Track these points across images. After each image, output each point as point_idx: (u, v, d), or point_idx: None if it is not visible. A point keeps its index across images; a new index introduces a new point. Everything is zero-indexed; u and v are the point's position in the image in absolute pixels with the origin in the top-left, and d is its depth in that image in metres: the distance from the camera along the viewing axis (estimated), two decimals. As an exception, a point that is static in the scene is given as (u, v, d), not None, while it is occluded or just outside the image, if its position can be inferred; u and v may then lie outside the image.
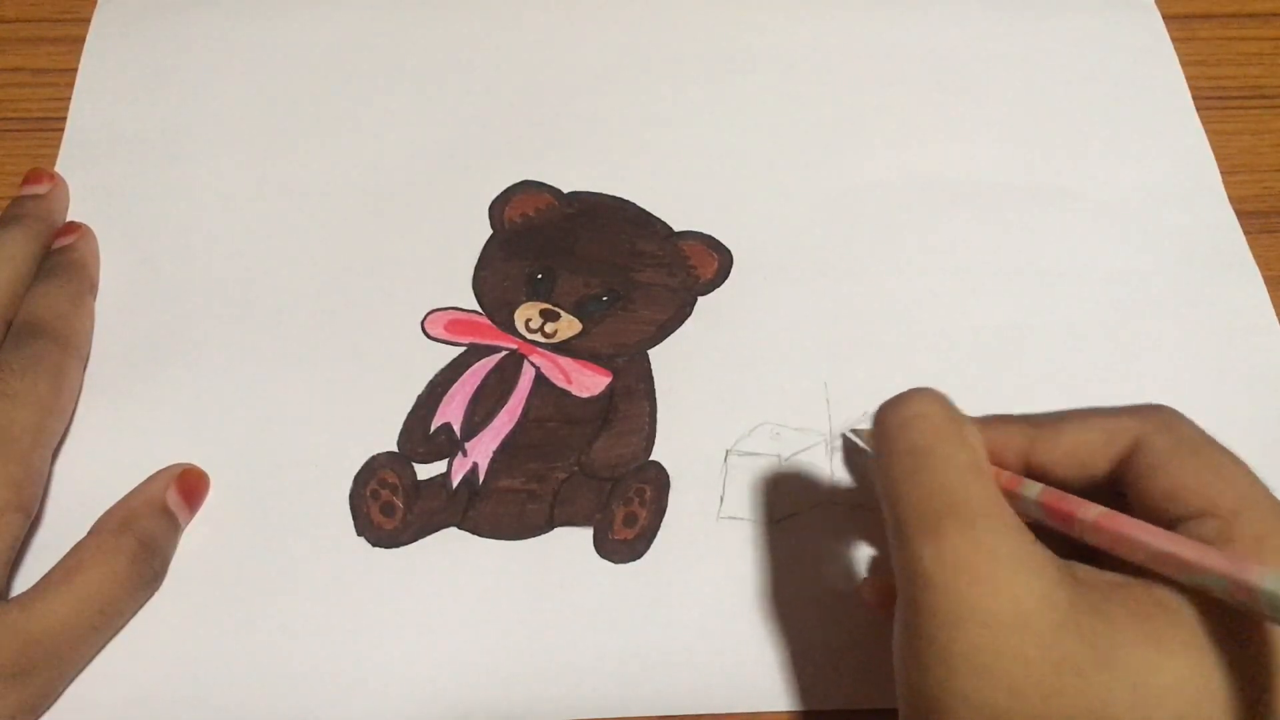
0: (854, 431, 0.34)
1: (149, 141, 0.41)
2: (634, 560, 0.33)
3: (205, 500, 0.34)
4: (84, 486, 0.33)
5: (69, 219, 0.38)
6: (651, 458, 0.35)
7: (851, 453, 0.35)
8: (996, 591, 0.22)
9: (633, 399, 0.36)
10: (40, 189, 0.38)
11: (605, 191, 0.40)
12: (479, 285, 0.38)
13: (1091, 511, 0.24)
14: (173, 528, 0.32)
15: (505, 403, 0.35)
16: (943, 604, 0.22)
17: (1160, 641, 0.21)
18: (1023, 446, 0.27)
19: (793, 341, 0.37)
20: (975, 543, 0.23)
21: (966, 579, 0.22)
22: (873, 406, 0.34)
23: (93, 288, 0.37)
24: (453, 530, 0.33)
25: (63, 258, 0.36)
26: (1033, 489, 0.25)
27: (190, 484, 0.33)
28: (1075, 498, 0.25)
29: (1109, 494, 0.25)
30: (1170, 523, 0.24)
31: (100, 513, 0.32)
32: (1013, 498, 0.26)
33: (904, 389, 0.27)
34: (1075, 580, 0.23)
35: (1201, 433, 0.25)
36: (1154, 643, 0.21)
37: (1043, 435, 0.26)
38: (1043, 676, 0.21)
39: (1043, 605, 0.22)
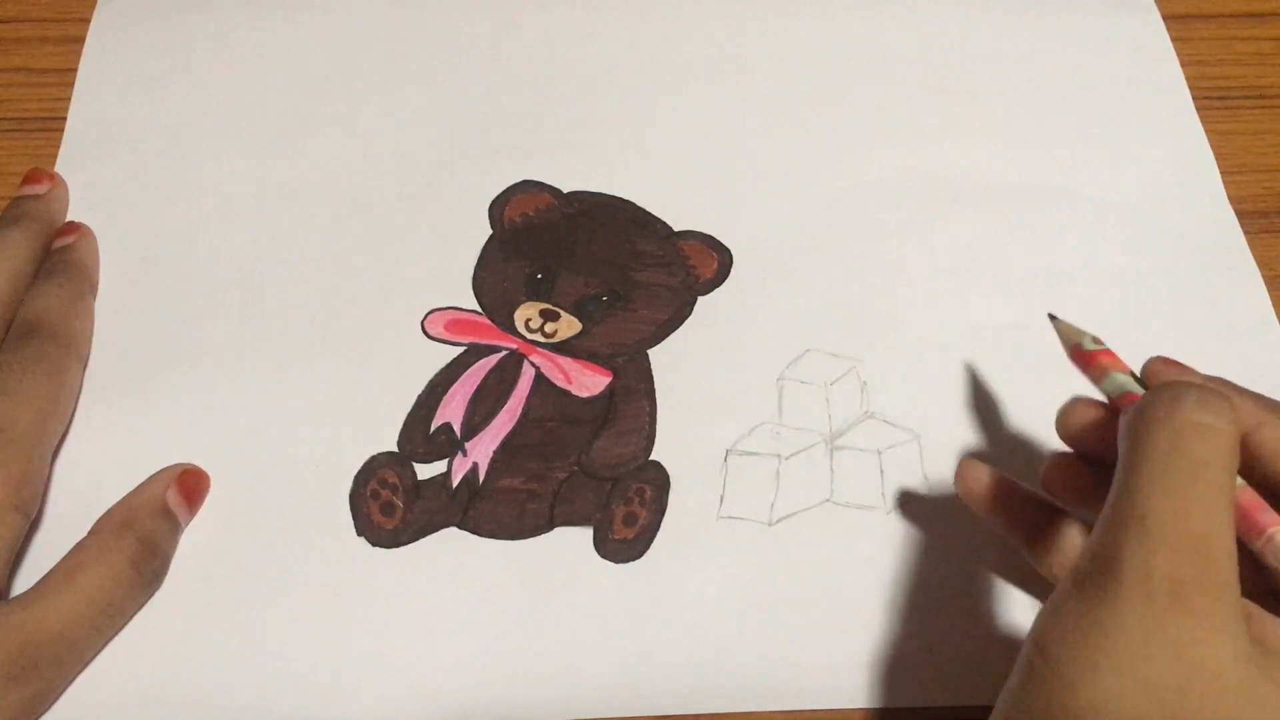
0: (1054, 318, 0.31)
1: (149, 141, 0.41)
2: (634, 560, 0.33)
3: (206, 500, 0.33)
4: (84, 486, 0.33)
5: (69, 219, 0.38)
6: (651, 458, 0.35)
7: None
8: (1200, 644, 0.21)
9: (633, 399, 0.36)
10: (40, 189, 0.38)
11: (605, 191, 0.40)
12: (479, 285, 0.38)
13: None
14: (173, 527, 0.32)
15: (505, 402, 0.35)
16: (1140, 598, 0.22)
17: None
18: (1248, 424, 0.25)
19: (793, 341, 0.37)
20: (1210, 630, 0.21)
21: (1191, 659, 0.21)
22: (873, 406, 0.34)
23: (92, 288, 0.37)
24: (453, 530, 0.33)
25: (62, 258, 0.36)
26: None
27: (191, 483, 0.33)
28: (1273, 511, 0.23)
29: None
30: None
31: (100, 513, 0.31)
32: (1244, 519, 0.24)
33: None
34: (1264, 633, 0.22)
35: None
36: None
37: (1271, 420, 0.25)
38: (1224, 711, 0.21)
39: (1237, 660, 0.21)
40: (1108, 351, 0.28)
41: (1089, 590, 0.22)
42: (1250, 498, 0.24)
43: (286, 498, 0.34)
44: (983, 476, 0.31)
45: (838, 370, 0.36)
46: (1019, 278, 0.39)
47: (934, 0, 0.45)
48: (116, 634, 0.31)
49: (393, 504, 0.33)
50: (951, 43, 0.44)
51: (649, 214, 0.40)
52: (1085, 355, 0.28)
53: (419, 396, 0.35)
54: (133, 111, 0.41)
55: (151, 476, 0.33)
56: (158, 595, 0.32)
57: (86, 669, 0.30)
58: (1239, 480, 0.24)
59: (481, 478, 0.34)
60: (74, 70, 0.42)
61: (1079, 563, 0.23)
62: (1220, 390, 0.24)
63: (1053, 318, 0.30)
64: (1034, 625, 0.24)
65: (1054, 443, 0.36)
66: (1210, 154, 0.42)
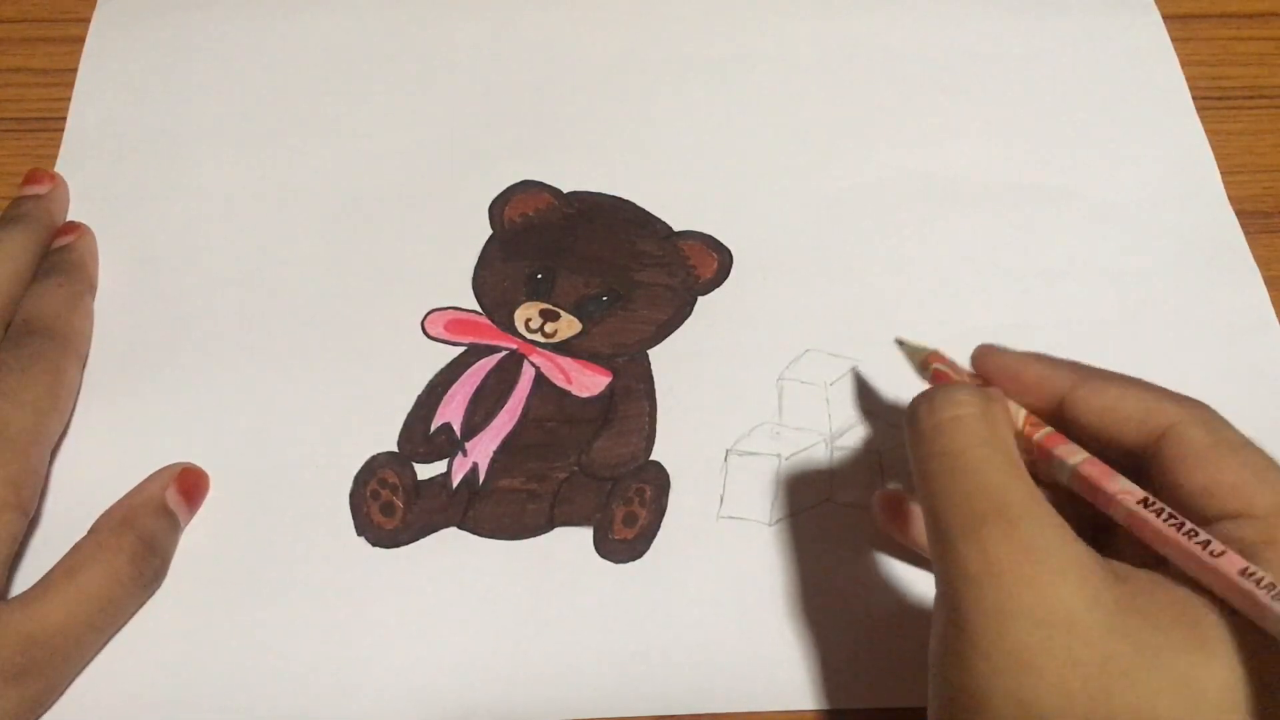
0: (901, 343, 0.33)
1: (149, 141, 0.41)
2: (634, 560, 0.33)
3: (205, 499, 0.33)
4: (84, 486, 0.33)
5: (69, 219, 0.38)
6: (651, 458, 0.35)
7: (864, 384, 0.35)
8: (1044, 591, 0.22)
9: (633, 399, 0.36)
10: (40, 189, 0.38)
11: (605, 191, 0.40)
12: (479, 285, 0.38)
13: (1134, 497, 0.24)
14: (173, 527, 0.32)
15: (505, 403, 0.35)
16: (990, 603, 0.22)
17: (1204, 644, 0.21)
18: (1061, 389, 0.26)
19: (793, 341, 0.37)
20: (1020, 543, 0.23)
21: (1012, 578, 0.22)
22: (872, 406, 0.34)
23: (91, 288, 0.37)
24: (453, 530, 0.33)
25: (61, 258, 0.36)
26: (1075, 456, 0.25)
27: (190, 483, 0.33)
28: (1121, 478, 0.24)
29: (1128, 470, 0.25)
30: (1204, 520, 0.24)
31: (100, 512, 0.31)
32: (1047, 458, 0.25)
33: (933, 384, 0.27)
34: (1119, 579, 0.23)
35: (1240, 433, 0.25)
36: (1198, 645, 0.21)
37: (1087, 384, 0.26)
38: (1090, 677, 0.21)
39: (1091, 606, 0.22)
40: (944, 373, 0.30)
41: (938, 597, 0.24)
42: (1093, 468, 0.25)
43: (286, 498, 0.34)
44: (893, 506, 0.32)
45: (837, 370, 0.36)
46: (1019, 278, 0.39)
47: (934, 0, 0.45)
48: (117, 633, 0.31)
49: (393, 504, 0.33)
50: (952, 43, 0.44)
51: (649, 214, 0.40)
52: (937, 375, 0.30)
53: (419, 396, 0.35)
54: (133, 111, 0.41)
55: (151, 476, 0.33)
56: (158, 595, 0.32)
57: (87, 669, 0.30)
58: (1080, 453, 0.25)
59: (481, 478, 0.34)
60: (74, 70, 0.42)
61: None
62: (960, 387, 0.26)
63: (900, 342, 0.32)
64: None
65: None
66: (1210, 154, 0.42)
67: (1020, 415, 0.27)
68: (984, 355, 0.29)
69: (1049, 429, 0.26)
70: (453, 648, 0.31)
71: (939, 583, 0.24)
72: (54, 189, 0.38)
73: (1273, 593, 0.20)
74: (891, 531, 0.32)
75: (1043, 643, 0.22)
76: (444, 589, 0.32)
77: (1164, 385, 0.37)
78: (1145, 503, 0.23)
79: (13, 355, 0.32)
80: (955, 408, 0.25)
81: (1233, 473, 0.24)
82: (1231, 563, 0.21)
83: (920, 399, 0.26)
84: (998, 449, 0.25)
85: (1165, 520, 0.23)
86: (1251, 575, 0.21)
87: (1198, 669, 0.21)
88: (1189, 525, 0.23)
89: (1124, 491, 0.24)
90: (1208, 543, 0.22)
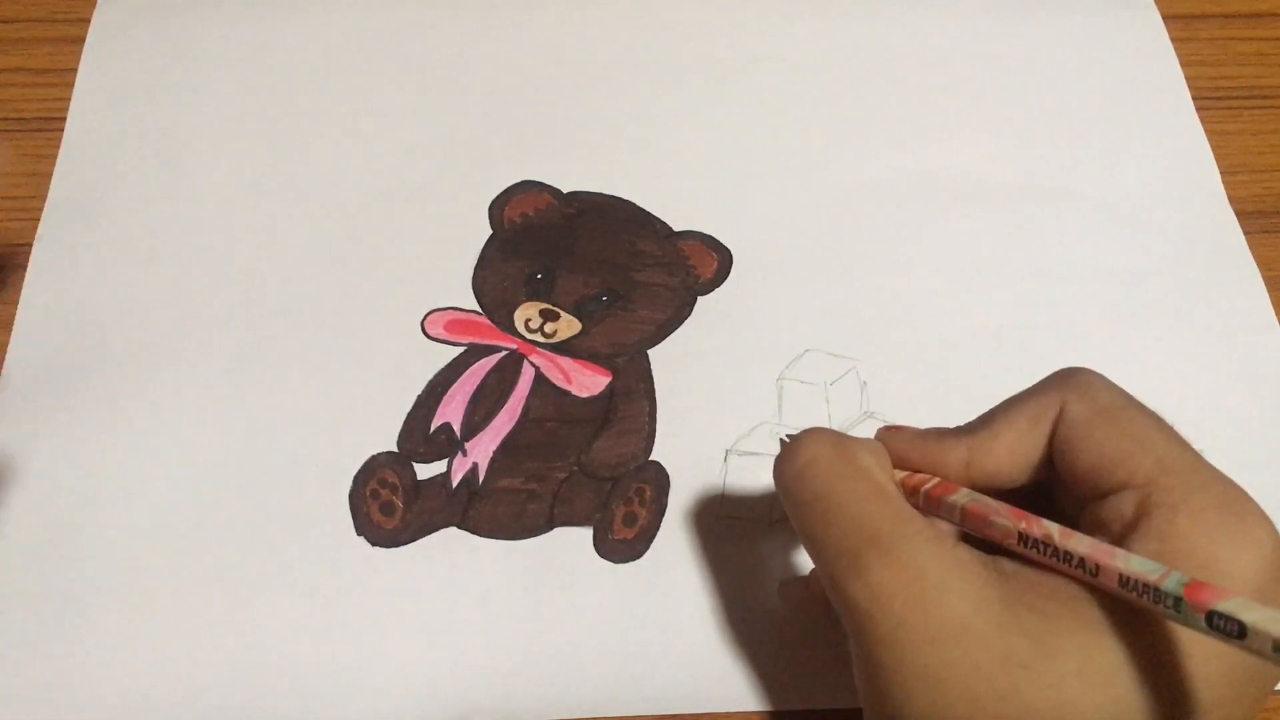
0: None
1: (149, 141, 0.41)
2: (634, 560, 0.33)
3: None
4: (83, 485, 0.33)
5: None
6: (651, 457, 0.35)
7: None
8: (931, 607, 0.22)
9: (632, 399, 0.36)
10: None
11: (605, 191, 0.40)
12: (478, 285, 0.38)
13: (1013, 539, 0.24)
14: None
15: (505, 402, 0.35)
16: (884, 631, 0.23)
17: (1091, 625, 0.22)
18: (963, 458, 0.26)
19: (793, 341, 0.37)
20: (898, 566, 0.23)
21: (899, 603, 0.22)
22: (871, 406, 0.34)
23: None
24: (452, 530, 0.33)
25: None
26: (961, 497, 0.25)
27: None
28: (1000, 516, 0.24)
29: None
30: (1097, 498, 0.24)
31: (99, 510, 0.31)
32: (942, 506, 0.25)
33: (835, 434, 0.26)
34: (1003, 575, 0.23)
35: (1120, 395, 0.25)
36: (1085, 626, 0.22)
37: (979, 442, 0.26)
38: (994, 678, 0.22)
39: (979, 608, 0.22)
40: None
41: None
42: (975, 504, 0.25)
43: (286, 497, 0.34)
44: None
45: (838, 370, 0.36)
46: (1019, 278, 0.39)
47: (934, 0, 0.45)
48: None
49: (392, 504, 0.33)
50: (952, 43, 0.44)
51: (649, 214, 0.40)
52: None
53: (419, 396, 0.35)
54: (133, 111, 0.41)
55: None
56: (158, 595, 0.32)
57: (86, 669, 0.30)
58: (964, 497, 0.25)
59: (481, 478, 0.34)
60: (74, 70, 0.42)
61: None
62: (812, 431, 0.26)
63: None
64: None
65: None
66: (1210, 154, 0.42)
67: (899, 474, 0.27)
68: (883, 437, 0.28)
69: (936, 480, 0.26)
70: (452, 647, 0.31)
71: (843, 622, 0.24)
72: None
73: (1151, 597, 0.20)
74: (812, 608, 0.32)
75: (941, 657, 0.22)
76: (443, 589, 0.32)
77: (1165, 384, 0.37)
78: (1023, 540, 0.23)
79: None
80: (809, 450, 0.26)
81: (1113, 444, 0.24)
82: (1109, 577, 0.21)
83: (779, 454, 0.27)
84: (859, 480, 0.25)
85: (1047, 555, 0.23)
86: (1129, 585, 0.21)
87: (1090, 649, 0.21)
88: (1064, 551, 0.22)
89: (1003, 535, 0.24)
90: (1082, 562, 0.22)
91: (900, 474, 0.27)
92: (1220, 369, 0.37)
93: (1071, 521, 0.24)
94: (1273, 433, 0.36)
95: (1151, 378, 0.37)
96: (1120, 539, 0.23)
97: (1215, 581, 0.20)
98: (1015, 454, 0.25)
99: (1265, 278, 0.39)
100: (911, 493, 0.26)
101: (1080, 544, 0.22)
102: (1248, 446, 0.35)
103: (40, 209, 0.39)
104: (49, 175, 0.40)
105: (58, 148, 0.40)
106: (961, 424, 0.27)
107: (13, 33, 0.44)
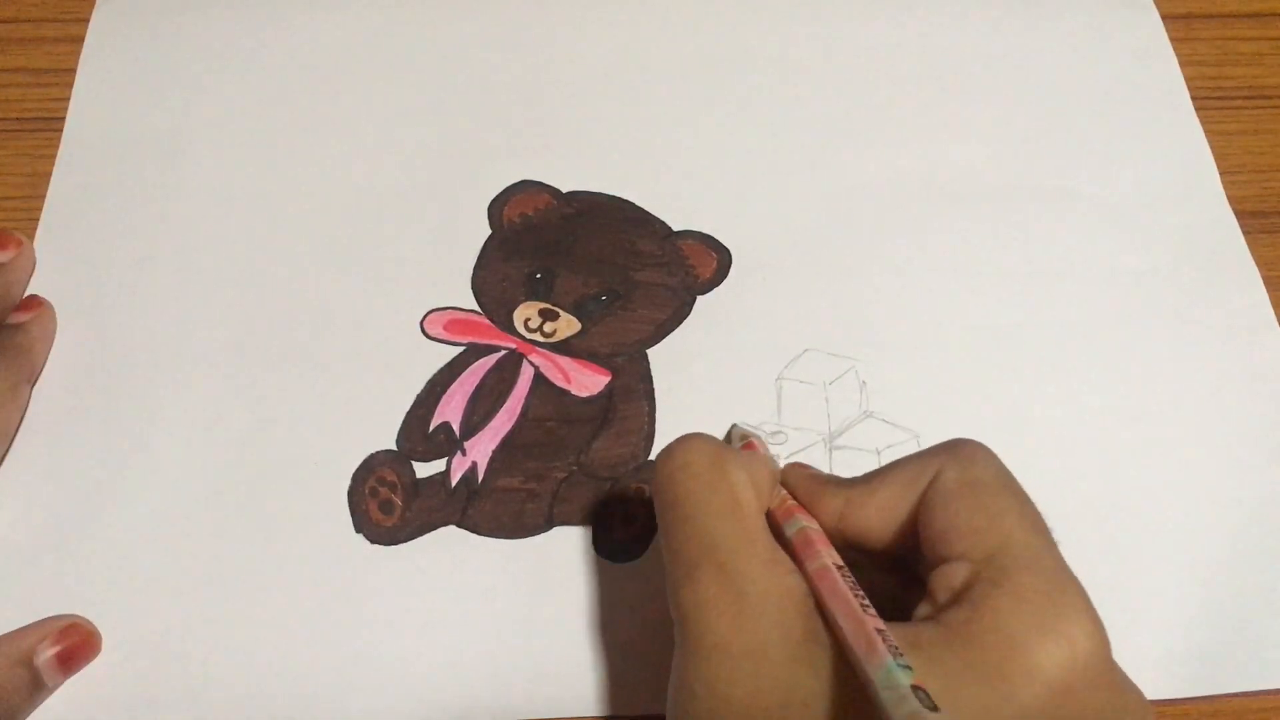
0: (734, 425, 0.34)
1: (149, 141, 0.41)
2: (633, 560, 0.33)
3: (89, 663, 0.30)
4: (83, 485, 0.33)
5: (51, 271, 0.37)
6: (651, 457, 0.35)
7: None
8: (743, 625, 0.23)
9: (632, 398, 0.36)
10: (2, 256, 0.36)
11: (604, 191, 0.40)
12: (478, 285, 0.38)
13: (814, 563, 0.24)
14: (32, 687, 0.29)
15: (504, 402, 0.35)
16: (694, 639, 0.23)
17: None
18: (839, 510, 0.26)
19: (792, 341, 0.37)
20: (726, 581, 0.23)
21: (715, 614, 0.23)
22: (871, 405, 0.34)
23: (31, 376, 0.35)
24: (451, 528, 0.33)
25: (9, 340, 0.34)
26: (792, 527, 0.26)
27: (73, 644, 0.30)
28: (820, 545, 0.25)
29: None
30: (937, 564, 0.24)
31: (104, 510, 0.31)
32: (781, 536, 0.26)
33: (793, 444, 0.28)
34: (815, 612, 0.23)
35: (996, 473, 0.25)
36: None
37: (855, 495, 0.26)
38: (771, 707, 0.22)
39: (783, 638, 0.22)
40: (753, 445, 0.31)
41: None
42: (800, 537, 0.25)
43: (286, 495, 0.34)
44: None
45: (837, 370, 0.36)
46: (1018, 278, 0.39)
47: (934, 0, 0.45)
48: None
49: (391, 502, 0.34)
50: (951, 43, 0.44)
51: (648, 214, 0.40)
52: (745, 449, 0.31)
53: (418, 395, 0.35)
54: (133, 111, 0.41)
55: (33, 624, 0.30)
56: (158, 594, 0.32)
57: (86, 669, 0.30)
58: (799, 523, 0.26)
59: (480, 477, 0.34)
60: (74, 70, 0.42)
61: None
62: (694, 436, 0.26)
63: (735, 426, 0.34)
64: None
65: (1054, 440, 0.36)
66: (1209, 154, 0.42)
67: (779, 494, 0.27)
68: (785, 470, 0.29)
69: (788, 501, 0.27)
70: (451, 646, 0.31)
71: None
72: (16, 257, 0.36)
73: (882, 688, 0.20)
74: None
75: (732, 673, 0.22)
76: (442, 587, 0.32)
77: (1165, 384, 0.37)
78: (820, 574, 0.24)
79: None
80: (684, 455, 0.26)
81: (966, 515, 0.24)
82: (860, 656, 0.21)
83: (661, 451, 0.27)
84: (720, 493, 0.25)
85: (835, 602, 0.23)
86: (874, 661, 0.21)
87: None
88: (820, 599, 0.23)
89: (814, 555, 0.24)
90: (853, 632, 0.22)
91: (786, 499, 0.27)
92: (1220, 369, 0.37)
93: (921, 587, 0.24)
94: (1273, 433, 0.36)
95: (1152, 378, 0.37)
96: (942, 608, 0.23)
97: (1014, 668, 0.20)
98: (885, 512, 0.26)
99: (1265, 278, 0.39)
100: (783, 519, 0.26)
101: (835, 600, 0.23)
102: (1248, 446, 0.35)
103: (40, 209, 0.39)
104: (49, 175, 0.40)
105: (57, 147, 0.40)
106: (855, 475, 0.27)
107: (13, 33, 0.44)
